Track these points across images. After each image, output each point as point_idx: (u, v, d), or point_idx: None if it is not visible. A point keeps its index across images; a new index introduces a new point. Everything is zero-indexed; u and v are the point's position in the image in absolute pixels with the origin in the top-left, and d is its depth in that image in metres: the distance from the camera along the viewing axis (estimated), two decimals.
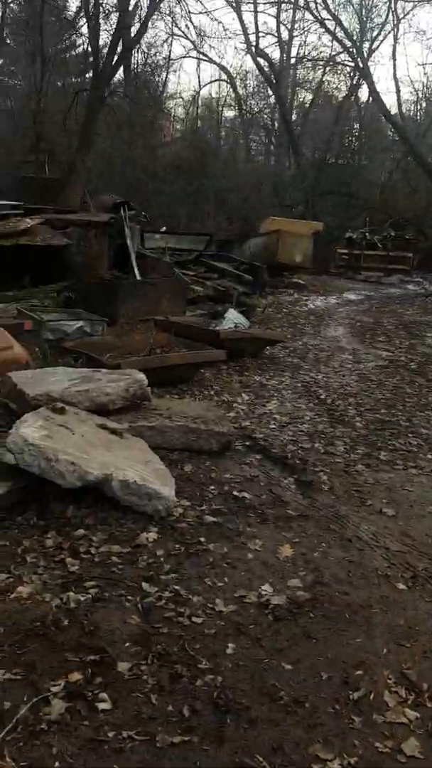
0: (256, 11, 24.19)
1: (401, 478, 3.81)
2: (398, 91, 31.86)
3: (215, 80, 33.83)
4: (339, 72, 25.25)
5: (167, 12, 20.77)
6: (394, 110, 21.23)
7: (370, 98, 21.82)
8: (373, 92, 20.44)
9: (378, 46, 31.00)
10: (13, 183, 15.50)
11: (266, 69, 24.01)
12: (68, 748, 1.75)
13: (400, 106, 21.81)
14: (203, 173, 19.91)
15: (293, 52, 26.43)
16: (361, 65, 21.03)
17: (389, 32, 27.60)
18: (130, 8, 17.30)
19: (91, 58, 18.17)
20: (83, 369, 4.89)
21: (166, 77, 25.90)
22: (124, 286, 7.99)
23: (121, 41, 17.18)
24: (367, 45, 22.31)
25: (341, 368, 6.68)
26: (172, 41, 35.69)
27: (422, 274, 16.34)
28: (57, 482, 3.03)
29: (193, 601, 2.45)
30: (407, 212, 18.57)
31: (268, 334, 7.67)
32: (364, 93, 24.23)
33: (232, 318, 7.81)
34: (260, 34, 24.76)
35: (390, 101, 39.42)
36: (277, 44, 25.78)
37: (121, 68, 20.51)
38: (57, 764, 1.70)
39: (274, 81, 23.51)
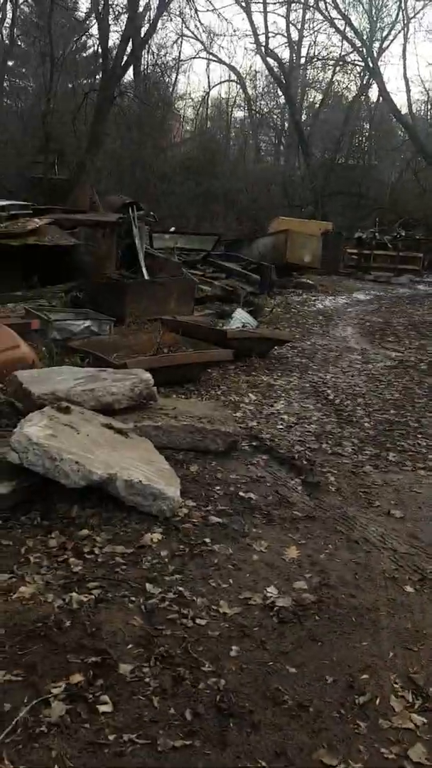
0: (265, 11, 24.25)
1: (410, 479, 3.76)
2: (408, 91, 31.84)
3: (225, 81, 33.87)
4: (349, 72, 25.21)
5: (177, 13, 20.81)
6: (404, 110, 21.12)
7: (380, 98, 21.75)
8: (383, 92, 20.38)
9: (388, 46, 30.95)
10: (22, 183, 15.59)
11: (276, 69, 24.00)
12: (68, 751, 1.73)
13: (410, 105, 21.75)
14: (213, 174, 19.92)
15: (303, 53, 26.40)
16: (371, 65, 20.95)
17: (399, 31, 27.57)
18: (140, 9, 17.35)
19: (100, 60, 18.22)
20: (89, 368, 4.88)
21: (176, 78, 25.96)
22: (132, 286, 7.98)
23: (130, 42, 17.22)
24: (377, 44, 22.26)
25: (350, 368, 6.63)
26: (182, 42, 35.76)
27: None
28: (61, 482, 3.01)
29: (197, 603, 2.42)
30: (417, 212, 18.48)
31: (276, 333, 7.63)
32: (374, 93, 24.17)
33: (240, 318, 7.78)
34: (270, 35, 24.80)
35: (400, 101, 39.22)
36: (286, 44, 25.77)
37: (131, 69, 20.59)
38: (56, 767, 1.68)
39: (283, 81, 23.48)
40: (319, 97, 26.61)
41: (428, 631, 2.32)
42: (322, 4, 22.61)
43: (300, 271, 13.73)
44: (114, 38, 18.44)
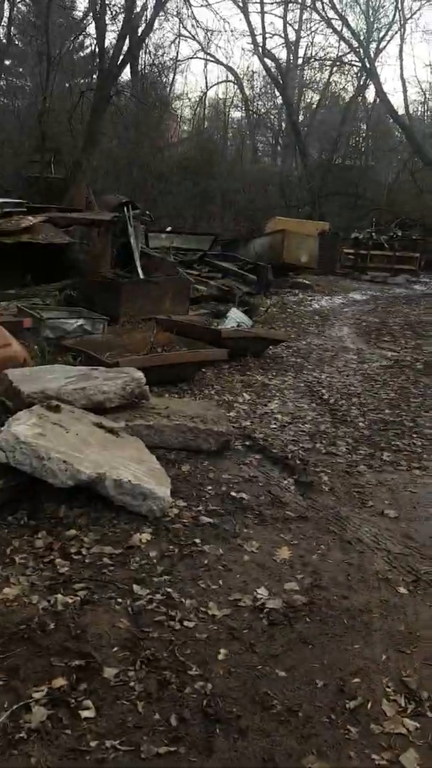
0: (263, 12, 24.24)
1: (404, 479, 3.71)
2: (405, 92, 31.65)
3: (222, 81, 33.81)
4: (346, 72, 25.19)
5: (174, 13, 20.78)
6: (401, 111, 21.11)
7: (377, 99, 21.72)
8: (380, 92, 20.36)
9: (385, 47, 30.85)
10: (19, 182, 15.53)
11: (273, 70, 23.96)
12: (48, 758, 1.67)
13: (407, 106, 21.71)
14: (210, 174, 19.88)
15: (300, 53, 26.38)
16: (368, 65, 20.94)
17: (396, 32, 27.43)
18: (137, 9, 17.30)
19: (97, 59, 18.18)
20: (81, 367, 4.82)
21: (173, 78, 25.91)
22: (127, 285, 7.92)
23: (127, 40, 17.17)
24: (374, 45, 22.23)
25: (345, 368, 6.58)
26: (179, 42, 35.74)
27: (429, 274, 16.21)
28: (49, 481, 2.96)
29: (186, 605, 2.36)
30: (414, 212, 18.46)
31: (270, 333, 7.58)
32: (371, 93, 24.15)
33: (235, 317, 7.73)
34: (267, 35, 24.73)
35: (397, 102, 39.21)
36: (283, 45, 25.74)
37: (128, 69, 20.55)
38: None
39: (280, 82, 23.45)
40: (316, 97, 26.61)
41: (422, 633, 2.27)
42: (319, 5, 22.61)
43: (297, 271, 13.68)
44: (111, 38, 18.38)
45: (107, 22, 17.54)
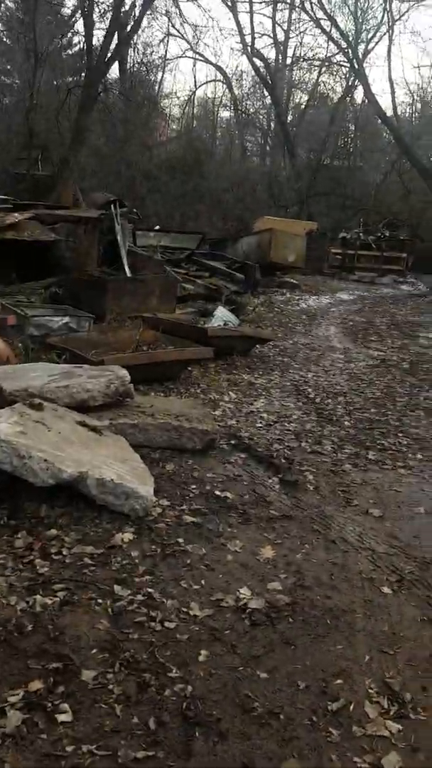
0: (251, 11, 24.18)
1: (389, 478, 3.70)
2: (393, 93, 31.81)
3: (211, 80, 33.78)
4: (334, 73, 25.23)
5: (163, 11, 20.70)
6: (389, 112, 21.17)
7: (366, 100, 21.77)
8: (368, 93, 20.39)
9: (373, 48, 30.97)
10: (7, 180, 15.37)
11: (262, 69, 23.96)
12: (22, 763, 1.63)
13: (395, 107, 21.74)
14: (198, 173, 19.82)
15: (289, 53, 26.40)
16: (356, 66, 20.97)
17: (384, 33, 27.57)
18: (126, 7, 17.22)
19: (85, 56, 18.06)
20: (65, 365, 4.77)
21: (162, 76, 25.83)
22: (113, 283, 7.86)
23: (116, 38, 17.08)
24: (362, 46, 22.27)
25: (332, 367, 6.57)
26: (168, 41, 35.69)
27: (416, 274, 16.29)
28: (29, 480, 2.91)
29: (167, 605, 2.33)
30: (401, 213, 18.55)
31: (257, 332, 7.56)
32: (359, 94, 24.23)
33: (222, 316, 7.70)
34: (256, 35, 24.71)
35: (385, 103, 39.37)
36: (272, 45, 25.74)
37: (117, 67, 20.46)
38: None
39: (269, 82, 23.45)
40: (305, 98, 26.65)
41: (405, 634, 2.25)
42: (307, 5, 22.56)
43: (284, 270, 13.68)
44: (99, 35, 18.26)
45: (95, 19, 17.45)
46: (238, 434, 4.30)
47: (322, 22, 22.23)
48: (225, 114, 28.61)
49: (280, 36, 25.63)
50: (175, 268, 10.60)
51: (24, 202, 10.03)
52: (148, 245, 11.70)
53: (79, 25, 19.73)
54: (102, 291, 7.49)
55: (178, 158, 20.66)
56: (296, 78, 27.02)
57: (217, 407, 4.91)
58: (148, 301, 7.90)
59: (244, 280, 11.30)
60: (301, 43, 37.52)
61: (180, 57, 32.99)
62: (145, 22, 19.11)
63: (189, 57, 33.12)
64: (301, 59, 25.49)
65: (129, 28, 18.10)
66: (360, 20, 22.06)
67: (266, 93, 24.86)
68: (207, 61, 28.79)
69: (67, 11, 20.66)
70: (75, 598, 2.32)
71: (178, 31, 29.05)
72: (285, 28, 25.78)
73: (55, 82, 19.73)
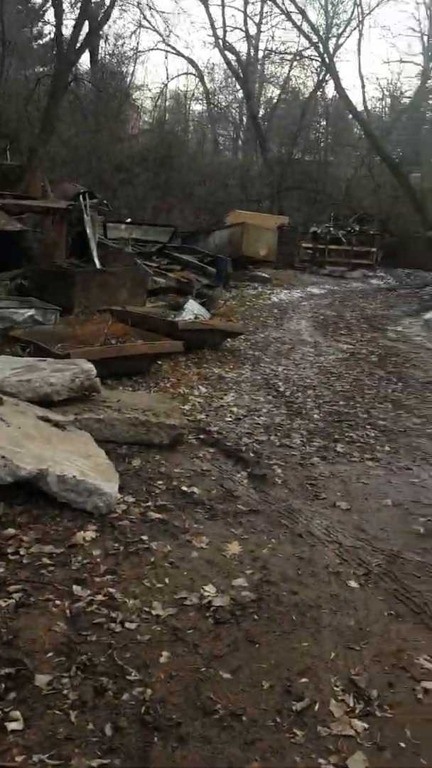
0: (223, 4, 24.03)
1: (357, 470, 3.68)
2: (363, 87, 32.12)
3: (183, 73, 33.54)
4: (306, 67, 25.26)
5: (135, 3, 20.41)
6: (359, 107, 21.27)
7: (336, 94, 21.82)
8: (339, 88, 20.44)
9: (344, 42, 31.06)
10: None
11: (234, 63, 23.84)
12: None
13: (365, 102, 21.86)
14: (170, 166, 19.65)
15: (261, 47, 26.31)
16: (327, 61, 21.00)
17: (355, 28, 27.68)
18: None
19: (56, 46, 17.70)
20: (28, 358, 4.64)
21: (134, 68, 25.53)
22: (81, 274, 7.70)
23: (86, 26, 16.79)
24: (333, 41, 22.31)
25: (302, 361, 6.55)
26: (140, 33, 35.29)
27: (385, 269, 16.42)
28: None
29: (128, 605, 2.25)
30: (371, 208, 18.67)
31: (228, 326, 7.49)
32: (330, 89, 24.28)
33: (192, 309, 7.61)
34: (227, 28, 24.57)
35: (356, 98, 39.64)
36: (244, 38, 25.62)
37: (88, 58, 20.14)
38: None
39: (241, 75, 23.34)
40: (277, 92, 26.61)
41: (372, 629, 2.21)
42: None
43: (256, 264, 13.64)
44: (71, 26, 17.91)
45: (66, 8, 17.13)
46: (207, 428, 4.23)
47: (293, 15, 22.23)
48: (197, 107, 28.44)
49: (252, 29, 25.52)
50: (146, 261, 10.47)
51: None
52: (119, 238, 11.54)
53: (50, 15, 19.34)
54: (70, 283, 7.33)
55: (150, 151, 20.44)
56: (268, 72, 26.96)
57: (186, 401, 4.83)
58: (118, 293, 7.76)
59: (216, 274, 11.23)
60: (272, 37, 37.56)
61: (152, 49, 32.65)
62: (116, 13, 18.84)
63: (161, 49, 32.86)
64: (273, 53, 25.44)
65: (99, 17, 17.80)
66: (331, 14, 22.11)
67: (238, 86, 24.77)
68: (179, 53, 28.70)
69: (38, 0, 20.24)
70: (31, 600, 2.22)
71: (149, 22, 28.75)
72: (257, 21, 25.69)
73: (24, 72, 19.31)
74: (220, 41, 23.62)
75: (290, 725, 1.77)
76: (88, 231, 9.05)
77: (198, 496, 3.21)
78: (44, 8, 20.11)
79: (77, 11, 16.93)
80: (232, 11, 38.79)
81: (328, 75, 21.89)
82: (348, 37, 32.87)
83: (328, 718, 1.80)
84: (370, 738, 1.74)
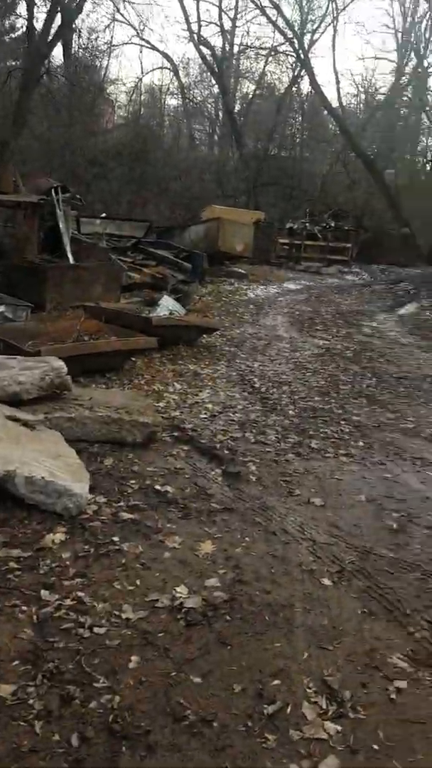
0: None
1: (331, 466, 3.66)
2: (338, 83, 32.44)
3: (158, 68, 33.28)
4: (281, 63, 25.27)
5: None
6: (335, 103, 21.35)
7: (312, 90, 21.87)
8: (314, 83, 20.53)
9: (319, 38, 31.21)
10: None
11: (209, 58, 23.72)
12: None
13: (340, 98, 22.12)
14: (146, 160, 19.48)
15: (236, 42, 26.23)
16: (302, 56, 21.02)
17: (329, 24, 27.78)
18: None
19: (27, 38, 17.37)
20: None
21: (108, 62, 25.22)
22: (53, 270, 7.57)
23: (59, 19, 16.53)
24: (308, 36, 22.34)
25: (278, 357, 6.53)
26: (114, 26, 34.84)
27: (361, 264, 16.52)
28: None
29: (98, 609, 2.19)
30: (347, 203, 18.76)
31: (204, 321, 7.44)
32: (305, 85, 24.32)
33: (167, 305, 7.54)
34: (202, 23, 24.46)
35: (331, 94, 39.84)
36: (219, 33, 25.51)
37: (62, 52, 19.82)
38: None
39: (216, 70, 23.24)
40: (252, 87, 26.58)
41: (345, 627, 2.19)
42: None
43: (232, 260, 13.61)
44: (43, 18, 17.59)
45: (37, 2, 16.83)
46: (181, 426, 4.18)
47: (268, 10, 22.19)
48: (173, 102, 28.26)
49: (227, 24, 25.44)
50: (120, 257, 10.35)
51: None
52: (93, 233, 11.39)
53: (23, 8, 18.98)
54: (42, 278, 7.21)
55: (125, 145, 20.25)
56: (243, 67, 26.91)
57: (161, 399, 4.77)
58: (92, 289, 7.66)
59: (192, 270, 11.16)
60: (248, 32, 37.47)
61: (126, 43, 32.37)
62: (89, 7, 18.55)
63: (135, 43, 32.53)
64: (248, 48, 25.39)
65: (74, 12, 17.53)
66: (305, 10, 22.14)
67: (214, 81, 24.66)
68: (154, 47, 28.57)
69: None
70: None
71: (123, 16, 28.44)
72: (232, 16, 25.61)
73: None
74: (195, 36, 23.52)
75: (262, 729, 1.73)
76: (60, 226, 8.90)
77: (171, 494, 3.16)
78: (16, 0, 19.75)
79: (49, 3, 16.65)
80: (206, 6, 38.56)
81: (303, 71, 21.93)
82: (323, 33, 33.15)
83: (300, 721, 1.77)
84: (343, 741, 1.71)
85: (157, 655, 1.98)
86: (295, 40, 21.74)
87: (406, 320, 9.65)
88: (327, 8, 29.37)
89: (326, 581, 2.47)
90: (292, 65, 24.05)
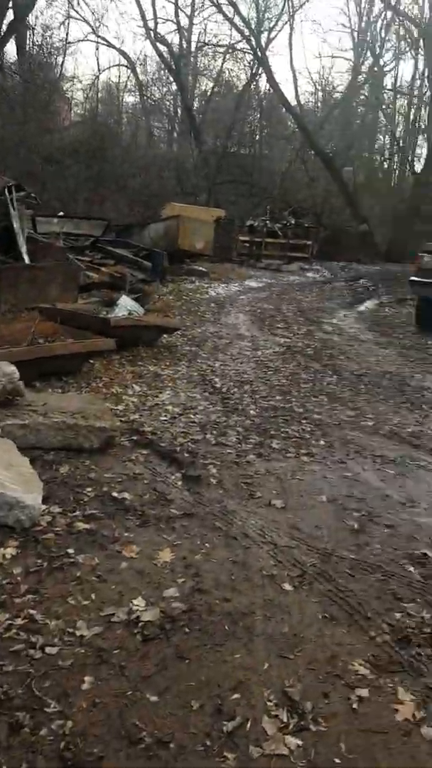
0: None
1: (292, 466, 3.63)
2: (296, 81, 32.62)
3: (115, 65, 32.87)
4: (239, 60, 25.27)
5: None
6: (293, 100, 21.46)
7: (269, 88, 21.93)
8: (271, 81, 20.58)
9: (276, 36, 31.37)
10: None
11: (166, 55, 23.55)
12: None
13: (297, 96, 22.16)
14: (103, 158, 19.23)
15: (193, 39, 26.12)
16: (259, 54, 21.06)
17: (286, 22, 27.89)
18: None
19: None
20: None
21: (63, 60, 24.77)
22: (7, 270, 7.36)
23: (10, 15, 16.14)
24: (265, 35, 22.39)
25: (239, 356, 6.49)
26: (69, 23, 34.26)
27: (321, 262, 16.66)
28: None
29: (50, 627, 2.09)
30: (306, 201, 18.90)
31: (164, 321, 7.35)
32: (264, 82, 24.39)
33: (126, 305, 7.42)
34: (159, 20, 24.25)
35: (290, 92, 40.04)
36: (176, 31, 25.35)
37: (16, 49, 19.39)
38: None
39: (173, 67, 23.08)
40: (210, 84, 26.50)
41: (305, 634, 2.15)
42: None
43: (192, 258, 13.54)
44: None
45: None
46: (140, 429, 4.09)
47: (224, 8, 22.15)
48: (130, 99, 27.96)
49: (184, 21, 25.29)
50: (78, 256, 10.16)
51: None
52: (50, 232, 11.15)
53: None
54: None
55: (82, 142, 19.95)
56: (201, 65, 26.82)
57: (119, 401, 4.67)
58: (48, 290, 7.46)
59: (152, 268, 11.04)
60: (205, 30, 37.36)
61: (81, 41, 31.90)
62: (43, 3, 18.20)
63: (91, 40, 32.06)
64: (206, 45, 25.31)
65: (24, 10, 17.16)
66: (262, 8, 22.17)
67: (171, 79, 24.49)
68: (110, 44, 28.20)
69: None
70: None
71: (78, 12, 27.99)
72: (188, 13, 25.48)
73: None
74: (152, 33, 23.30)
75: (221, 748, 1.67)
76: (15, 225, 8.67)
77: (129, 501, 3.07)
78: None
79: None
80: (162, 2, 38.40)
81: (260, 68, 21.97)
82: (280, 31, 33.25)
83: (260, 736, 1.72)
84: (304, 755, 1.67)
85: (112, 673, 1.90)
86: (252, 38, 21.78)
87: (366, 317, 9.76)
88: (283, 7, 29.49)
89: (287, 586, 2.43)
90: (249, 63, 24.10)
